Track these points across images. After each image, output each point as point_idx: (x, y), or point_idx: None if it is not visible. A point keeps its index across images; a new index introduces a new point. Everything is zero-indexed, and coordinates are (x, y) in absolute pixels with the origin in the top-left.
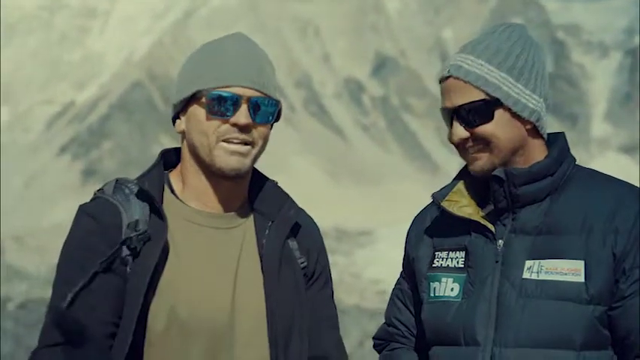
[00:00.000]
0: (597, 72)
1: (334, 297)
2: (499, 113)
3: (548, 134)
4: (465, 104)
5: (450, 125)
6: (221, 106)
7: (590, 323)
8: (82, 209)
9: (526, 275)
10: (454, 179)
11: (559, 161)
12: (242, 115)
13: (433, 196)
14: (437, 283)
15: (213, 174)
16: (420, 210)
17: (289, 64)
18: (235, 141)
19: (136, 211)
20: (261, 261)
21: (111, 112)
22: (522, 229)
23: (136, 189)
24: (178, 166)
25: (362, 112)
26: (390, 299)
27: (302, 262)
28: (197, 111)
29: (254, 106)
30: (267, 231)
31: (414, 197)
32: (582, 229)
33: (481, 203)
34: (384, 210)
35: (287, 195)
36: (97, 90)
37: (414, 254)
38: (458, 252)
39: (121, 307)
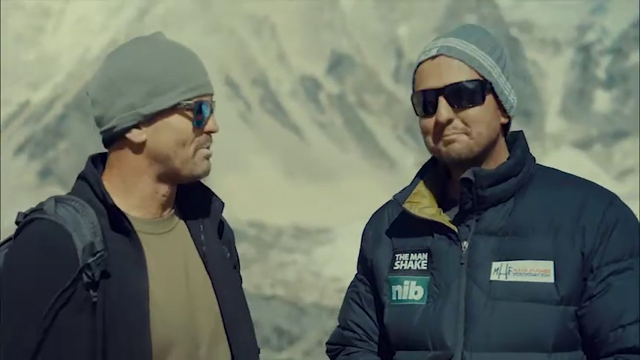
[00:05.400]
0: (551, 69)
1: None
2: (489, 99)
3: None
4: (458, 82)
5: (432, 108)
6: (202, 115)
7: (562, 324)
8: (23, 238)
9: (494, 277)
10: (414, 179)
11: (522, 161)
12: (213, 122)
13: (395, 197)
14: (399, 286)
15: (174, 181)
16: (377, 209)
17: (245, 63)
18: (208, 147)
19: (86, 232)
20: (204, 261)
21: (66, 112)
22: (487, 231)
23: (79, 206)
24: (107, 174)
25: (318, 109)
26: (345, 302)
27: (227, 253)
28: (177, 122)
29: (213, 111)
30: (201, 227)
31: (370, 194)
32: (549, 229)
33: (441, 204)
34: (341, 207)
35: (208, 188)
36: (53, 90)
37: (371, 256)
38: (420, 254)
39: (94, 348)
